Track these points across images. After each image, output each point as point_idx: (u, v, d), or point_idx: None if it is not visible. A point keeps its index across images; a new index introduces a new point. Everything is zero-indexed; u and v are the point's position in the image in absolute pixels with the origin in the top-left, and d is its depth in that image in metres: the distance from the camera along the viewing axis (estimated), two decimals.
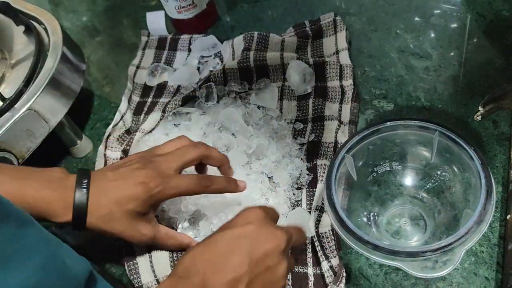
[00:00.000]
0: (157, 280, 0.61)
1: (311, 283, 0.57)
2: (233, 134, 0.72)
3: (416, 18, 0.82)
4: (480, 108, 0.65)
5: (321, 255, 0.58)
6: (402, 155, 0.62)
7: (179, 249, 0.62)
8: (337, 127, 0.69)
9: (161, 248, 0.61)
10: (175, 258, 0.62)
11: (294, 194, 0.65)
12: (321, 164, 0.66)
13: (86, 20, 1.06)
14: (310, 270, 0.58)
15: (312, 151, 0.68)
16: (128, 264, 0.62)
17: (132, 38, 0.98)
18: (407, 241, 0.59)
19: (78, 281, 0.38)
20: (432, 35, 0.79)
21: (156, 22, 0.93)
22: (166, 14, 0.92)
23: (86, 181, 0.54)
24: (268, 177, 0.67)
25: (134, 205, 0.54)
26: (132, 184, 0.54)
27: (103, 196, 0.54)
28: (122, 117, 0.82)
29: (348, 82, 0.73)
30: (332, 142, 0.68)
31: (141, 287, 0.61)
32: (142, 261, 0.62)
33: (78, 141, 0.79)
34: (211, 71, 0.81)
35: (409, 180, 0.62)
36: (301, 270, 0.59)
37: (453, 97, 0.70)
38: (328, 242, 0.58)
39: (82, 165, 0.79)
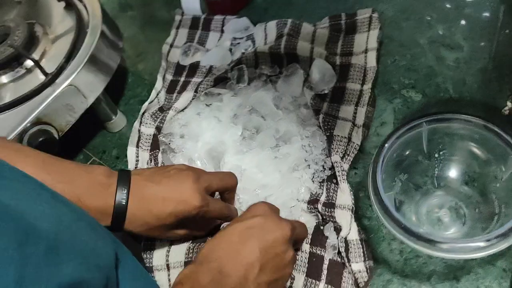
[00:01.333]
0: (168, 265, 0.64)
1: (325, 266, 0.60)
2: (262, 117, 0.74)
3: (449, 8, 0.82)
4: (509, 103, 0.66)
5: (345, 256, 0.60)
6: (450, 146, 0.63)
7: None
8: (351, 128, 0.70)
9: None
10: (191, 248, 0.64)
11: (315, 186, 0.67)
12: (335, 162, 0.67)
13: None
14: (327, 255, 0.61)
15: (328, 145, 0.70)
16: (145, 242, 0.66)
17: (166, 16, 0.99)
18: (445, 232, 0.60)
19: (110, 268, 0.42)
20: (464, 26, 0.79)
21: (190, 2, 0.94)
22: None
23: (125, 191, 0.55)
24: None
25: (172, 221, 0.56)
26: (174, 201, 0.56)
27: (143, 209, 0.55)
28: (158, 94, 0.84)
29: (367, 86, 0.74)
30: (345, 137, 0.69)
31: (151, 268, 0.64)
32: (160, 244, 0.65)
33: (113, 117, 0.82)
34: (243, 53, 0.83)
35: (453, 172, 0.63)
36: (318, 252, 0.61)
37: (481, 90, 0.71)
38: (355, 250, 0.60)
39: (116, 139, 0.82)
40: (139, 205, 0.55)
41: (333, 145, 0.69)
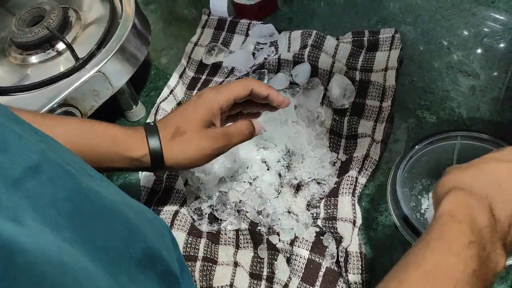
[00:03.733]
0: None
1: (321, 273, 0.63)
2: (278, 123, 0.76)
3: (468, 37, 0.85)
4: None
5: (343, 266, 0.62)
6: None
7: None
8: (370, 143, 0.72)
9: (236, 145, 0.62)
10: (189, 240, 0.67)
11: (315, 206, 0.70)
12: (348, 176, 0.69)
13: None
14: (324, 263, 0.63)
15: (343, 169, 0.72)
16: None
17: (192, 14, 1.02)
18: None
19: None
20: (483, 55, 0.82)
21: (218, 3, 0.97)
22: None
23: (151, 121, 0.60)
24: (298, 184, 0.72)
25: (200, 115, 0.59)
26: (192, 103, 0.60)
27: (169, 118, 0.60)
28: (171, 91, 0.87)
29: (387, 103, 0.76)
30: (363, 154, 0.71)
31: None
32: None
33: (134, 106, 0.85)
34: (265, 58, 0.86)
35: None
36: (316, 259, 0.64)
37: (494, 119, 0.73)
38: (354, 262, 0.62)
39: None
40: (164, 118, 0.61)
41: (351, 165, 0.71)
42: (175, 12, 1.05)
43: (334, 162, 0.73)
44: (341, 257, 0.63)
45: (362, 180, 0.69)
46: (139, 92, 0.90)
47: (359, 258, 0.63)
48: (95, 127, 0.59)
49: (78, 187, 0.31)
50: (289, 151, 0.74)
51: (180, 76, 0.90)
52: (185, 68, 0.91)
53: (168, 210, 0.71)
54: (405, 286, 0.39)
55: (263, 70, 0.82)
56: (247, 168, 0.73)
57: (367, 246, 0.65)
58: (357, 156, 0.72)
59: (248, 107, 0.66)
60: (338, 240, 0.64)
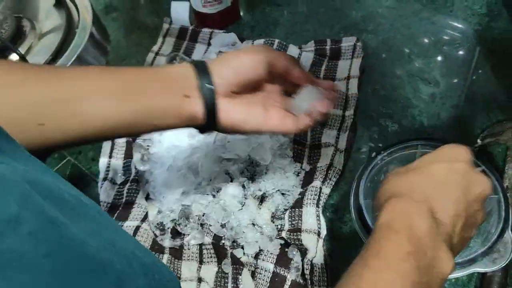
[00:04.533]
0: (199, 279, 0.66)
1: (286, 286, 0.62)
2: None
3: (429, 44, 0.86)
4: (479, 141, 0.70)
5: (309, 279, 0.61)
6: None
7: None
8: (333, 152, 0.72)
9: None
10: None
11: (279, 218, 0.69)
12: (312, 186, 0.69)
13: (108, 0, 1.08)
14: (289, 276, 0.62)
15: (307, 179, 0.71)
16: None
17: (153, 23, 1.00)
18: None
19: None
20: (442, 63, 0.83)
21: (180, 12, 0.96)
22: (190, 6, 0.95)
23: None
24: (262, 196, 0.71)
25: (251, 58, 0.54)
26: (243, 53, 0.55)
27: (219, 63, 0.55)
28: None
29: (350, 112, 0.76)
30: (327, 164, 0.71)
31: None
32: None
33: None
34: None
35: None
36: (281, 272, 0.63)
37: (454, 126, 0.74)
38: (319, 275, 0.62)
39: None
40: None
41: (315, 175, 0.70)
42: (137, 20, 1.03)
43: (298, 173, 0.72)
44: (306, 269, 0.62)
45: (326, 190, 0.69)
46: None
47: (324, 271, 0.62)
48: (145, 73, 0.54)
49: (61, 240, 0.27)
50: (252, 162, 0.73)
51: None
52: None
53: (129, 226, 0.69)
54: None
55: None
56: (210, 180, 0.72)
57: (332, 257, 0.65)
58: (321, 166, 0.71)
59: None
60: (303, 252, 0.63)
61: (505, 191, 0.57)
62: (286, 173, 0.72)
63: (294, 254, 0.64)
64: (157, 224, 0.70)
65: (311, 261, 0.62)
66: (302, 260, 0.63)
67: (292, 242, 0.65)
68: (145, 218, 0.70)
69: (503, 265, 0.54)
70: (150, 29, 0.99)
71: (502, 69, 0.79)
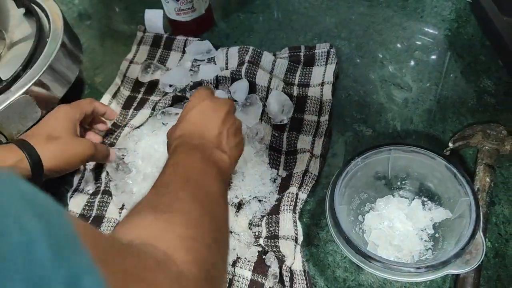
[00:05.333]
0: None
1: None
2: None
3: (401, 50, 0.87)
4: (450, 144, 0.71)
5: (289, 286, 0.61)
6: (411, 178, 0.67)
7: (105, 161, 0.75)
8: (309, 158, 0.72)
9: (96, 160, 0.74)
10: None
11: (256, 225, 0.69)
12: (288, 193, 0.69)
13: (82, 8, 1.07)
14: (267, 283, 0.62)
15: (284, 185, 0.71)
16: None
17: (127, 31, 1.00)
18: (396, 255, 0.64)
19: None
20: (414, 68, 0.84)
21: (154, 20, 0.95)
22: (164, 14, 0.95)
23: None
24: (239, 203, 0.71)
25: (66, 124, 0.66)
26: (52, 116, 0.67)
27: (34, 130, 0.66)
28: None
29: (324, 118, 0.77)
30: (303, 170, 0.71)
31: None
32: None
33: None
34: (203, 80, 0.84)
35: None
36: (259, 280, 0.63)
37: (426, 130, 0.75)
38: (299, 281, 0.62)
39: None
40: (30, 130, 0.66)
41: (291, 181, 0.70)
42: (111, 28, 1.02)
43: (275, 179, 0.73)
44: (286, 276, 0.62)
45: (303, 196, 0.69)
46: None
47: (304, 277, 0.62)
48: None
49: None
50: None
51: (114, 96, 0.87)
52: (119, 87, 0.88)
53: None
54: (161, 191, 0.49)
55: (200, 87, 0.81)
56: None
57: (310, 262, 0.65)
58: (297, 172, 0.71)
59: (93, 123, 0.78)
60: (281, 259, 0.63)
61: (475, 194, 0.58)
62: (262, 179, 0.72)
63: (271, 262, 0.64)
64: None
65: (290, 268, 0.62)
66: (280, 267, 0.63)
67: (270, 249, 0.65)
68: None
69: (475, 266, 0.55)
70: (125, 36, 0.99)
71: (471, 74, 0.81)
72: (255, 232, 0.68)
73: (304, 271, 0.63)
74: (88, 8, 1.07)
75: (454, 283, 0.60)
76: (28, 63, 0.73)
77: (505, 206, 0.66)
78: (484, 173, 0.66)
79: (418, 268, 0.54)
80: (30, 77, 0.70)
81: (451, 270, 0.55)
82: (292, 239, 0.64)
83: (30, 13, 0.81)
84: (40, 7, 0.82)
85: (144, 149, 0.76)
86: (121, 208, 0.72)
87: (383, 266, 0.55)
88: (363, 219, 0.66)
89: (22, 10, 0.82)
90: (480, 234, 0.56)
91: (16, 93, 0.69)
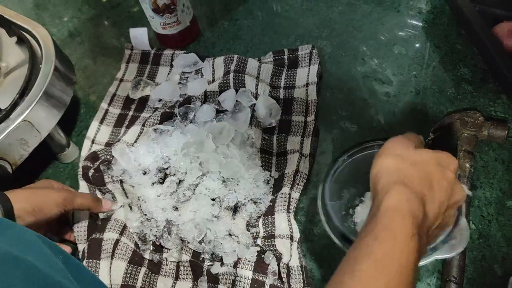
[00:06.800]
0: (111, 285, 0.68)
1: None
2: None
3: (381, 45, 0.91)
4: (431, 134, 0.74)
5: (286, 282, 0.65)
6: None
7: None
8: (299, 158, 0.76)
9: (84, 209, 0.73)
10: (129, 270, 0.69)
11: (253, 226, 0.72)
12: (281, 193, 0.72)
13: (72, 28, 1.11)
14: (268, 281, 0.66)
15: (277, 186, 0.75)
16: (89, 261, 0.69)
17: (118, 47, 1.03)
18: None
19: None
20: (394, 62, 0.88)
21: (139, 38, 0.98)
22: (149, 30, 0.98)
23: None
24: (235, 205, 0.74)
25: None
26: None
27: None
28: (93, 142, 0.86)
29: (311, 118, 0.80)
30: (294, 170, 0.74)
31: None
32: (103, 263, 0.69)
33: (66, 148, 0.84)
34: (193, 96, 0.87)
35: None
36: (260, 278, 0.66)
37: (409, 122, 0.79)
38: (295, 276, 0.66)
39: (69, 170, 0.85)
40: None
41: (284, 181, 0.74)
42: (101, 44, 1.05)
43: (268, 181, 0.76)
44: (283, 273, 0.66)
45: (296, 195, 0.73)
46: (70, 133, 0.90)
47: (300, 272, 0.66)
48: None
49: None
50: (223, 178, 0.76)
51: (102, 121, 0.89)
52: (106, 110, 0.90)
53: (108, 239, 0.71)
54: (358, 276, 0.43)
55: (191, 106, 0.84)
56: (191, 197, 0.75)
57: (306, 258, 0.69)
58: (288, 172, 0.75)
59: None
60: (278, 257, 0.67)
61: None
62: (256, 182, 0.75)
63: (270, 260, 0.68)
64: (141, 236, 0.72)
65: (287, 264, 0.66)
66: (278, 265, 0.67)
67: (267, 248, 0.68)
68: (123, 231, 0.73)
69: (461, 250, 0.59)
70: (116, 51, 1.02)
71: (448, 63, 0.85)
72: (253, 233, 0.71)
73: (301, 266, 0.66)
74: (78, 27, 1.10)
75: (442, 266, 0.64)
76: (24, 90, 0.76)
77: (486, 189, 0.70)
78: (464, 159, 0.70)
79: None
80: (28, 103, 0.74)
81: (439, 255, 0.59)
82: (288, 237, 0.68)
83: (22, 41, 0.84)
84: (31, 34, 0.85)
85: (139, 167, 0.79)
86: (131, 208, 0.76)
87: None
88: (354, 212, 0.70)
89: (14, 39, 0.85)
90: (463, 220, 0.60)
91: (15, 121, 0.72)
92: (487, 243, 0.65)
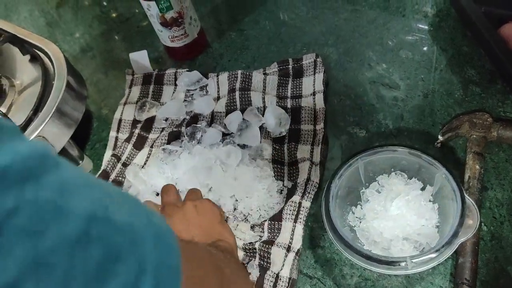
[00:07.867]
0: None
1: None
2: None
3: (386, 50, 0.91)
4: (440, 137, 0.75)
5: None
6: (382, 174, 0.72)
7: None
8: (309, 166, 0.76)
9: None
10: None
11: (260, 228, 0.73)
12: (291, 201, 0.73)
13: (84, 43, 1.13)
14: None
15: (290, 195, 0.75)
16: None
17: (128, 61, 1.04)
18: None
19: None
20: (401, 66, 0.88)
21: (140, 61, 1.00)
22: (149, 51, 1.00)
23: None
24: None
25: None
26: None
27: None
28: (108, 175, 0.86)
29: (320, 126, 0.81)
30: (305, 179, 0.75)
31: None
32: None
33: (80, 162, 0.86)
34: (200, 114, 0.88)
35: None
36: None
37: (417, 125, 0.79)
38: (279, 286, 0.66)
39: None
40: None
41: (296, 190, 0.74)
42: (113, 56, 1.07)
43: (281, 190, 0.77)
44: (270, 281, 0.66)
45: (307, 204, 0.73)
46: (83, 146, 0.91)
47: (287, 284, 0.66)
48: None
49: None
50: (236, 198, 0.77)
51: (114, 149, 0.90)
52: (116, 138, 0.91)
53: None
54: None
55: (198, 126, 0.85)
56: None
57: (318, 264, 0.69)
58: (299, 182, 0.75)
59: None
60: (264, 266, 0.68)
61: (446, 166, 0.65)
62: (269, 192, 0.76)
63: (253, 269, 0.68)
64: None
65: (277, 274, 0.67)
66: (263, 275, 0.67)
67: (261, 253, 0.69)
68: None
69: (475, 230, 0.60)
70: (127, 64, 1.03)
71: (455, 65, 0.85)
72: (257, 233, 0.72)
73: (290, 278, 0.67)
74: (89, 42, 1.13)
75: (454, 268, 0.64)
76: (38, 106, 0.78)
77: (498, 190, 0.69)
78: (474, 161, 0.70)
79: (420, 255, 0.59)
80: (41, 120, 0.76)
81: (460, 240, 0.60)
82: (284, 248, 0.69)
83: (35, 59, 0.87)
84: (43, 51, 0.87)
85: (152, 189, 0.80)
86: None
87: (386, 264, 0.59)
88: (362, 214, 0.70)
89: (28, 57, 0.87)
90: (468, 198, 0.62)
91: (30, 136, 0.74)
92: (499, 245, 0.65)
